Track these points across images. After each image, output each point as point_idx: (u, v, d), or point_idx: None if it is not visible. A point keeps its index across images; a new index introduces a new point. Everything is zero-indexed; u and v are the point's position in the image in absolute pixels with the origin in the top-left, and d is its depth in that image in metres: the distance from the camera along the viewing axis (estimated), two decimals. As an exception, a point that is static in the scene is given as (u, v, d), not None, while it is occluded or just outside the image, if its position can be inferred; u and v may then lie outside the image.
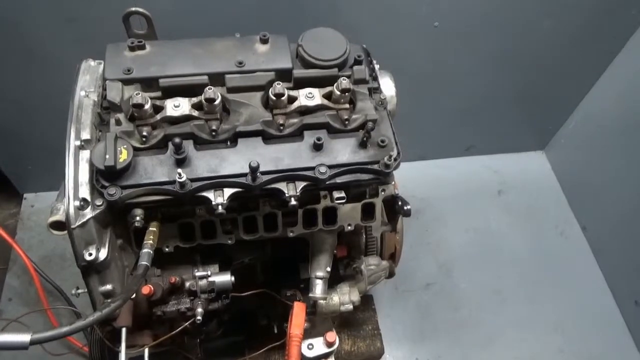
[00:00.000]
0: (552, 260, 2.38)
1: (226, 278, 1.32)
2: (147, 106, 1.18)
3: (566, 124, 2.60)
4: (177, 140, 1.12)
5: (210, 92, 1.18)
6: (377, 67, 1.41)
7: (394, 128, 1.28)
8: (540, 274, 2.33)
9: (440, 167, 2.63)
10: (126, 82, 1.21)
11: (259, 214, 1.28)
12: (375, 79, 1.36)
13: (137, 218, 1.15)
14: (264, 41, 1.31)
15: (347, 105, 1.24)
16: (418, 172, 2.53)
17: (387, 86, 1.42)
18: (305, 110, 1.23)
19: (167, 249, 1.27)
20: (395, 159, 1.21)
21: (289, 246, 1.42)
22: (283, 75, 1.27)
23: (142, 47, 1.25)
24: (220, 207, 1.15)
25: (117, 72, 1.21)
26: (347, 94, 1.22)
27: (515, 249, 2.40)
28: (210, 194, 1.16)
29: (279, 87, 1.22)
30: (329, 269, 1.43)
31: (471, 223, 2.47)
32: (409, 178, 2.42)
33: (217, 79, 1.24)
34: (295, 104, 1.22)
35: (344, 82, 1.24)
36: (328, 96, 1.25)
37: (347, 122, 1.24)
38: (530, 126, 2.64)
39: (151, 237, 1.18)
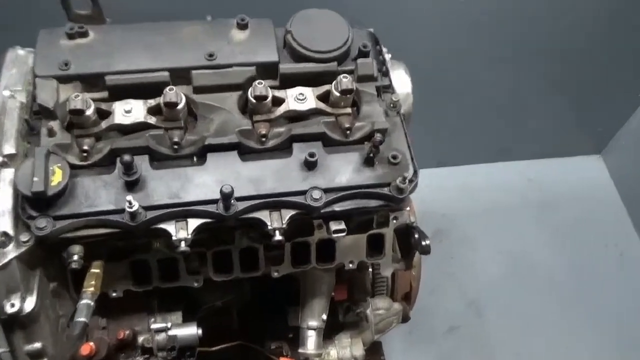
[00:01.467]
0: (610, 289, 2.34)
1: (191, 331, 1.28)
2: (90, 112, 1.14)
3: (628, 123, 2.57)
4: (127, 157, 1.08)
5: (171, 93, 1.15)
6: (388, 57, 1.38)
7: (409, 139, 1.25)
8: (595, 307, 2.28)
9: (466, 176, 2.60)
10: (63, 79, 1.18)
11: (234, 248, 1.25)
12: (385, 74, 1.33)
13: (75, 257, 1.11)
14: (242, 26, 1.27)
15: (348, 110, 1.23)
16: (438, 182, 2.50)
17: (401, 82, 1.38)
18: (294, 117, 1.22)
19: (114, 294, 1.23)
20: (410, 181, 1.17)
21: (274, 285, 1.38)
22: (266, 70, 1.24)
23: (84, 34, 1.22)
24: (183, 243, 1.11)
25: (52, 67, 1.18)
26: (349, 95, 1.20)
27: (562, 278, 2.37)
28: (170, 227, 1.12)
29: (260, 86, 1.18)
30: (324, 316, 1.40)
31: (506, 246, 2.44)
32: (427, 190, 2.38)
33: (181, 75, 1.21)
34: (282, 108, 1.21)
35: (345, 81, 1.20)
36: (324, 98, 1.23)
37: (348, 132, 1.21)
38: (582, 125, 2.60)
39: (92, 282, 1.13)
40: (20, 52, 1.28)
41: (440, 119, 2.35)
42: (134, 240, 1.20)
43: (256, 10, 1.30)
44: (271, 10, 1.31)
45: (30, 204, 1.07)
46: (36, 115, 1.18)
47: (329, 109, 1.23)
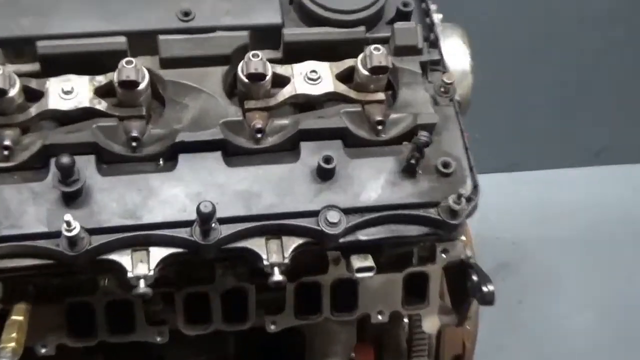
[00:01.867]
0: None
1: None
2: (14, 92, 1.15)
3: None
4: (65, 158, 1.08)
5: (129, 68, 1.16)
6: (438, 19, 1.39)
7: (466, 138, 1.26)
8: None
9: (546, 186, 2.60)
10: None
11: (214, 289, 1.26)
12: (434, 44, 1.34)
13: None
14: None
15: (381, 96, 1.24)
16: (506, 194, 2.50)
17: (457, 55, 1.40)
18: (303, 104, 1.24)
19: (43, 351, 1.24)
20: (468, 199, 1.18)
21: (269, 342, 1.40)
22: (265, 37, 1.26)
23: None
24: (142, 282, 1.11)
25: None
26: (382, 75, 1.22)
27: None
28: (124, 258, 1.13)
29: (256, 60, 1.19)
30: (339, 387, 1.41)
31: (600, 289, 2.42)
32: (490, 205, 2.37)
33: (143, 42, 1.23)
34: (286, 92, 1.22)
35: (377, 54, 1.21)
36: (346, 78, 1.25)
37: (380, 128, 1.22)
38: None
39: (13, 334, 1.14)
40: None
41: (511, 106, 2.35)
42: (72, 276, 1.21)
43: None
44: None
45: None
46: None
47: (352, 94, 1.24)
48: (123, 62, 1.16)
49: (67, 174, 1.10)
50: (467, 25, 1.46)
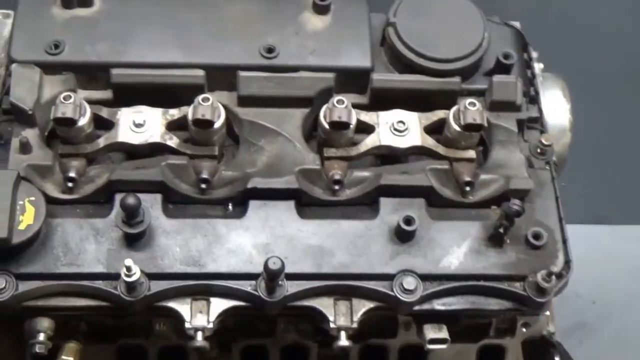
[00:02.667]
0: None
1: None
2: (84, 121, 1.14)
3: None
4: (131, 199, 1.06)
5: (205, 106, 1.14)
6: (538, 68, 1.35)
7: (561, 207, 1.21)
8: None
9: (635, 241, 2.49)
10: (49, 68, 1.19)
11: (273, 344, 1.25)
12: (533, 99, 1.29)
13: (41, 337, 1.11)
14: (321, 8, 1.26)
15: (471, 154, 1.22)
16: (591, 246, 2.39)
17: (556, 109, 1.36)
18: (387, 156, 1.22)
19: (92, 391, 1.23)
20: (559, 276, 1.13)
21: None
22: (352, 80, 1.24)
23: (87, 2, 1.23)
24: (200, 334, 1.10)
25: (35, 48, 1.19)
26: (475, 132, 1.19)
27: None
28: (183, 307, 1.11)
29: (341, 107, 1.15)
30: None
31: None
32: (573, 256, 2.31)
33: (222, 77, 1.22)
34: (370, 142, 1.20)
35: (472, 110, 1.16)
36: (435, 130, 1.23)
37: (468, 189, 1.18)
38: None
39: (62, 375, 1.13)
40: (-6, 14, 1.29)
41: (603, 155, 2.29)
42: (127, 317, 1.19)
43: None
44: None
45: (-15, 253, 1.07)
46: (6, 116, 1.19)
47: (441, 149, 1.21)
48: (199, 98, 1.14)
49: (131, 215, 1.08)
50: (567, 73, 1.40)
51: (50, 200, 1.12)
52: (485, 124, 1.17)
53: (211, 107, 1.14)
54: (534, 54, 1.36)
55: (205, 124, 1.14)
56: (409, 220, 1.13)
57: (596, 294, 2.41)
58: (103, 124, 1.18)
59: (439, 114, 1.22)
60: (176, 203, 1.17)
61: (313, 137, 1.24)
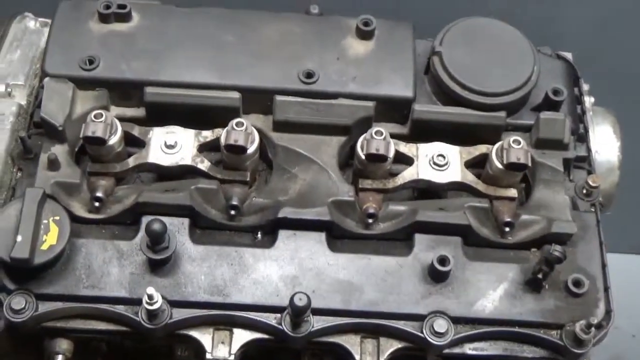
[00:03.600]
0: None
1: None
2: (114, 140, 1.14)
3: None
4: (157, 224, 1.05)
5: (239, 131, 1.12)
6: (589, 102, 1.33)
7: (605, 253, 1.18)
8: None
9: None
10: (83, 83, 1.19)
11: None
12: (582, 137, 1.27)
13: (60, 359, 1.11)
14: (365, 34, 1.23)
15: (513, 193, 1.20)
16: (633, 277, 2.35)
17: (606, 147, 1.33)
18: (423, 190, 1.20)
19: (110, 412, 1.22)
20: (599, 327, 1.11)
21: None
22: (392, 109, 1.22)
23: (125, 17, 1.22)
24: None
25: (70, 63, 1.19)
26: (518, 172, 1.16)
27: None
28: (205, 337, 1.10)
29: (379, 139, 1.13)
30: None
31: None
32: (613, 287, 2.25)
33: (257, 100, 1.20)
34: (407, 175, 1.18)
35: (517, 149, 1.14)
36: (476, 165, 1.21)
37: (507, 230, 1.15)
38: None
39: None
40: (31, 23, 1.30)
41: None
42: (147, 342, 1.18)
43: (388, 8, 1.30)
44: (412, 11, 1.30)
45: (7, 272, 1.08)
46: (37, 129, 1.19)
47: (481, 186, 1.18)
48: (233, 123, 1.13)
49: (156, 241, 1.07)
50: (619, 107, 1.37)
51: (75, 219, 1.12)
52: (529, 164, 1.14)
53: (245, 132, 1.12)
54: (585, 87, 1.33)
55: (237, 150, 1.12)
56: (443, 260, 1.10)
57: (636, 327, 2.36)
58: (134, 143, 1.17)
59: (481, 148, 1.20)
60: (204, 228, 1.15)
61: (348, 165, 1.22)
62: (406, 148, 1.19)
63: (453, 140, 1.20)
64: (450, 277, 1.12)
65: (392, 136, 1.17)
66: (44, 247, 1.07)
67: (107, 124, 1.12)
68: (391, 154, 1.14)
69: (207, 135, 1.17)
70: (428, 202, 1.18)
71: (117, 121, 1.15)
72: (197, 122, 1.19)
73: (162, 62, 1.20)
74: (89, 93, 1.19)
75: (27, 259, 1.04)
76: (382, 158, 1.13)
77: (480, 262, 1.15)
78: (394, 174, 1.19)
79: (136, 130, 1.18)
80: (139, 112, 1.21)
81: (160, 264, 1.10)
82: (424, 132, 1.21)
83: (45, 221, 1.08)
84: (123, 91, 1.20)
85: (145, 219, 1.11)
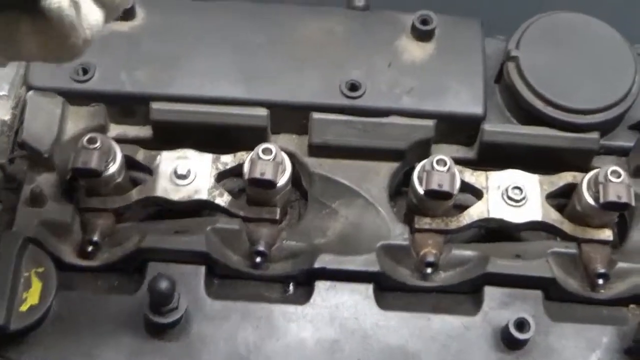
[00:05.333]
0: None
1: None
2: (114, 168, 1.01)
3: None
4: (164, 282, 0.93)
5: (266, 159, 0.99)
6: None
7: None
8: None
9: None
10: (74, 97, 1.07)
11: None
12: None
13: None
14: (423, 34, 1.10)
15: (607, 234, 1.07)
16: None
17: None
18: (495, 230, 1.10)
19: None
20: None
21: None
22: (457, 129, 1.09)
23: (127, 14, 1.10)
24: None
25: (58, 73, 1.07)
26: (614, 211, 1.04)
27: None
28: None
29: (442, 170, 1.00)
30: None
31: None
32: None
33: (290, 117, 1.09)
34: (475, 212, 1.07)
35: (616, 183, 1.01)
36: (560, 197, 1.10)
37: (600, 282, 1.03)
38: None
39: None
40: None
41: None
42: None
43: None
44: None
45: (-24, 340, 0.99)
46: (20, 150, 1.09)
47: (567, 226, 1.06)
48: (259, 150, 0.98)
49: (163, 302, 0.95)
50: None
51: (64, 267, 1.03)
52: (633, 203, 0.99)
53: (274, 162, 0.98)
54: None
55: (265, 185, 0.99)
56: (522, 325, 0.98)
57: None
58: (139, 169, 1.06)
59: (567, 177, 1.06)
60: (223, 277, 1.05)
61: (400, 194, 1.09)
62: (473, 177, 1.05)
63: (531, 166, 1.07)
64: (529, 344, 0.99)
65: (456, 161, 1.03)
66: (24, 308, 0.98)
67: (103, 152, 0.99)
68: (456, 189, 1.01)
69: (228, 160, 1.05)
70: (501, 246, 1.06)
71: (116, 146, 1.02)
72: (214, 143, 1.06)
73: (171, 70, 1.08)
74: (83, 109, 1.07)
75: (3, 325, 0.94)
76: (445, 195, 1.00)
77: (567, 323, 1.03)
78: (457, 206, 1.05)
79: (140, 155, 1.05)
80: (145, 131, 1.08)
81: (167, 327, 0.98)
82: (495, 156, 1.08)
83: (26, 274, 1.00)
84: (124, 107, 1.07)
85: (151, 268, 1.01)
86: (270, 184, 0.98)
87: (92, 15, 0.67)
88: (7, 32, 0.64)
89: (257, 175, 0.97)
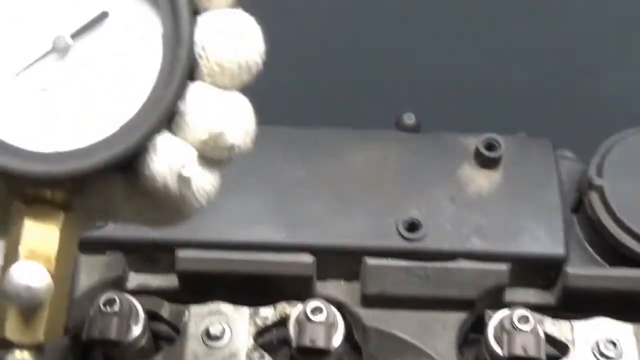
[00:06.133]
0: None
1: None
2: (136, 332, 0.89)
3: None
4: None
5: (316, 323, 0.87)
6: None
7: None
8: None
9: None
10: (86, 244, 0.88)
11: None
12: None
13: None
14: (489, 161, 0.99)
15: None
16: None
17: None
18: None
19: None
20: None
21: None
22: (533, 272, 0.98)
23: None
24: None
25: None
26: None
27: None
28: None
29: (526, 329, 0.88)
30: None
31: None
32: None
33: (339, 262, 0.98)
34: None
35: None
36: None
37: None
38: None
39: None
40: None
41: None
42: None
43: (508, 119, 1.16)
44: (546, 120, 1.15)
45: None
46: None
47: None
48: (307, 309, 0.86)
49: None
50: None
51: None
52: None
53: (325, 325, 0.86)
54: None
55: (315, 353, 0.87)
56: None
57: None
58: (162, 333, 0.95)
59: None
60: None
61: (469, 343, 0.97)
62: (556, 328, 0.92)
63: (622, 314, 0.94)
64: None
65: (532, 307, 0.91)
66: None
67: (122, 315, 0.86)
68: (543, 354, 0.88)
69: (268, 315, 0.92)
70: None
71: (138, 305, 0.90)
72: (251, 293, 0.95)
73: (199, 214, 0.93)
74: (97, 259, 0.95)
75: None
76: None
77: None
78: (533, 359, 0.92)
79: (165, 311, 0.94)
80: (170, 280, 0.96)
81: None
82: (579, 303, 0.95)
83: None
84: (143, 254, 0.97)
85: None
86: (323, 353, 0.86)
87: (207, 184, 0.62)
88: (105, 195, 0.59)
89: (307, 343, 0.85)
